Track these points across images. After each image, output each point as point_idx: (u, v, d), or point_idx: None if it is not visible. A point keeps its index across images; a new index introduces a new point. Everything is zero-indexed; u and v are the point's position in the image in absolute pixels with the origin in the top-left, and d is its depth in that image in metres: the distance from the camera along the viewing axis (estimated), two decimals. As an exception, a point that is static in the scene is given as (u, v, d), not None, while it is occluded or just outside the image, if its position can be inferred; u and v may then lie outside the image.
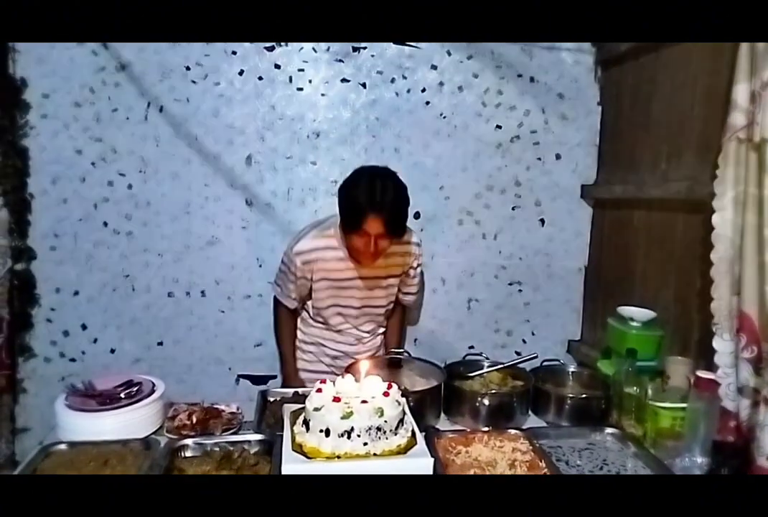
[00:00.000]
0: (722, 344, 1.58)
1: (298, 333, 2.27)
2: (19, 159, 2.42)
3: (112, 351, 2.62)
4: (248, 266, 2.63)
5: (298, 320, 2.26)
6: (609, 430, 1.69)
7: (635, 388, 1.68)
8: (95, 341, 2.60)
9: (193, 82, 2.47)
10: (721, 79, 1.75)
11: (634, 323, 1.99)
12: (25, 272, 2.49)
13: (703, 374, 1.54)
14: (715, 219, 1.60)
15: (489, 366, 1.95)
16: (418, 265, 2.21)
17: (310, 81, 2.53)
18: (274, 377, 2.65)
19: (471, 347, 2.67)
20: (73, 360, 2.60)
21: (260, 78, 2.50)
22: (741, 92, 1.52)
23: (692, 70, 2.01)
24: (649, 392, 1.68)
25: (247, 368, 2.69)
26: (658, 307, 2.06)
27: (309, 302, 2.18)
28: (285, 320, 2.24)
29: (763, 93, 1.43)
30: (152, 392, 1.70)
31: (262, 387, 2.28)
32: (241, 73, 2.49)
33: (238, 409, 1.76)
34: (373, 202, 1.76)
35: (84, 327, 2.59)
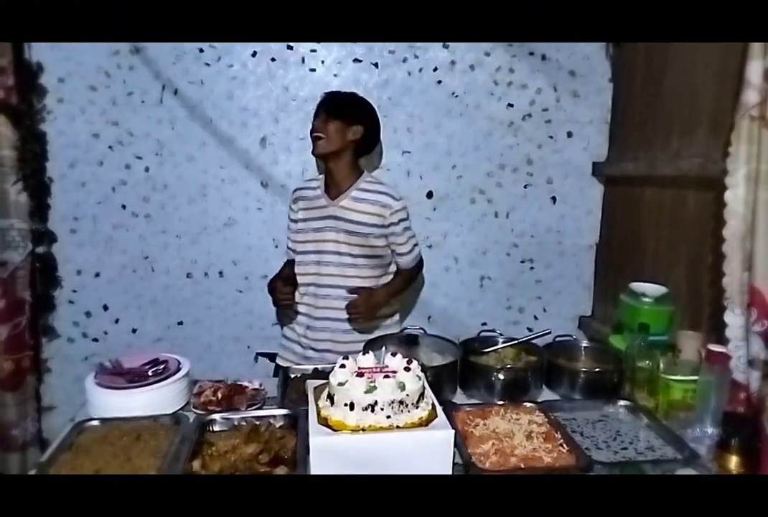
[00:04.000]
0: (733, 318, 1.60)
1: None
2: (37, 144, 2.45)
3: (134, 331, 2.68)
4: (264, 246, 2.68)
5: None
6: (622, 402, 1.72)
7: (647, 362, 1.72)
8: (117, 321, 2.67)
9: (207, 64, 2.49)
10: (734, 56, 1.75)
11: (646, 299, 2.01)
12: (46, 255, 2.55)
13: (714, 347, 1.57)
14: (728, 196, 1.62)
15: (503, 342, 1.99)
16: (400, 220, 2.12)
17: (322, 62, 2.55)
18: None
19: (484, 324, 2.72)
20: (95, 340, 2.67)
21: (273, 59, 2.52)
22: (754, 70, 1.52)
23: (705, 46, 2.00)
24: (661, 365, 1.71)
25: (265, 346, 2.75)
26: (669, 283, 2.08)
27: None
28: (285, 268, 2.34)
29: (777, 70, 1.44)
30: (178, 369, 1.74)
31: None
32: (254, 54, 2.51)
33: (260, 385, 1.81)
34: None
35: (105, 308, 2.65)
